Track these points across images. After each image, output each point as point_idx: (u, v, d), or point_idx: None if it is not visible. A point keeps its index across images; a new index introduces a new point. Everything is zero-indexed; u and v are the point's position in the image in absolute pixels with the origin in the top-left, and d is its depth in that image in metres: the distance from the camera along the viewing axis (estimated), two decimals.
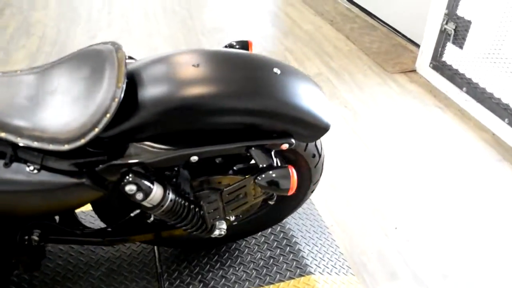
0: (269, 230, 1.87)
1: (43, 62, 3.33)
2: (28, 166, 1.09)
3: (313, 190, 1.58)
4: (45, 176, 1.11)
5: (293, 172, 1.16)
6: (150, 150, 1.13)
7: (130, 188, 1.11)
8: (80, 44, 3.63)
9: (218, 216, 1.33)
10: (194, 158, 1.15)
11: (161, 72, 1.16)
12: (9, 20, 4.08)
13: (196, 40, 3.67)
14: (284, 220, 1.91)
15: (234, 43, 1.45)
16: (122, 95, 1.06)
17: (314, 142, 1.39)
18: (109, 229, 1.48)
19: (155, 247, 1.81)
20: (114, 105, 1.04)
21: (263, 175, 1.17)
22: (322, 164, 1.49)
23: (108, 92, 1.06)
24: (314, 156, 1.41)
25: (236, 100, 1.13)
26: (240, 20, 4.05)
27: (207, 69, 1.15)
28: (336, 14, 4.09)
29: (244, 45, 1.44)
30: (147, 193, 1.13)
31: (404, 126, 2.58)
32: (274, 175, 1.16)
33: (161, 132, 1.13)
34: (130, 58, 1.40)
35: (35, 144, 1.04)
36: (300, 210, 2.00)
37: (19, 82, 1.15)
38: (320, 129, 1.26)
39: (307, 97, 1.24)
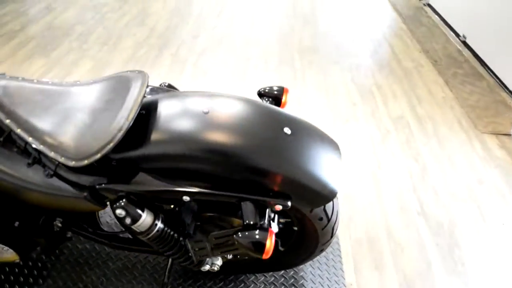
0: (282, 272, 1.83)
1: (145, 53, 3.61)
2: (45, 171, 1.23)
3: (323, 250, 1.51)
4: (56, 182, 1.24)
5: (271, 238, 1.13)
6: (147, 181, 1.18)
7: (120, 212, 1.18)
8: (182, 41, 3.86)
9: (205, 255, 1.34)
10: (186, 198, 1.18)
11: (173, 112, 1.22)
12: (130, 7, 4.48)
13: (289, 57, 3.68)
14: (301, 265, 1.86)
15: (275, 88, 1.45)
16: (129, 126, 1.14)
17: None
18: (119, 235, 1.58)
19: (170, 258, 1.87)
20: (119, 136, 1.12)
21: (243, 233, 1.15)
22: (333, 227, 1.41)
23: (118, 122, 1.14)
24: (321, 219, 1.35)
25: (237, 154, 1.14)
26: (339, 44, 3.97)
27: (214, 118, 1.18)
28: (443, 55, 3.81)
29: (279, 91, 1.43)
30: (135, 219, 1.19)
31: (473, 198, 2.33)
32: (251, 236, 1.14)
33: (161, 167, 1.18)
34: (170, 86, 1.46)
35: (52, 154, 1.16)
36: (323, 258, 1.92)
37: (56, 92, 1.28)
38: (323, 196, 1.20)
39: (314, 161, 1.19)
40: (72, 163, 1.13)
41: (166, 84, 1.48)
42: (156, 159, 1.17)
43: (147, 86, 1.26)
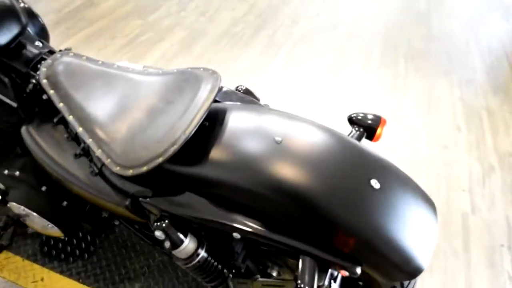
0: None
1: (240, 30, 3.45)
2: (90, 167, 1.12)
3: None
4: (99, 182, 1.13)
5: None
6: (196, 205, 1.02)
7: (160, 235, 1.04)
8: (281, 24, 3.65)
9: None
10: (236, 235, 1.00)
11: (241, 132, 1.05)
12: None
13: (393, 59, 3.32)
14: None
15: (370, 117, 1.21)
16: (185, 141, 0.98)
17: None
18: None
19: None
20: (171, 151, 0.98)
21: None
22: None
23: (173, 134, 1.00)
24: None
25: (307, 199, 0.94)
26: (453, 52, 3.51)
27: (287, 151, 0.99)
28: None
29: (374, 121, 1.18)
30: (175, 245, 1.05)
31: None
32: None
33: (214, 193, 1.01)
34: (247, 92, 1.29)
35: (98, 152, 1.04)
36: None
37: (119, 79, 1.15)
38: (404, 272, 0.96)
39: (402, 227, 0.95)
40: (116, 169, 1.00)
41: (243, 89, 1.30)
42: (210, 184, 1.00)
43: (219, 90, 1.08)
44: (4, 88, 1.26)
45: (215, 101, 1.09)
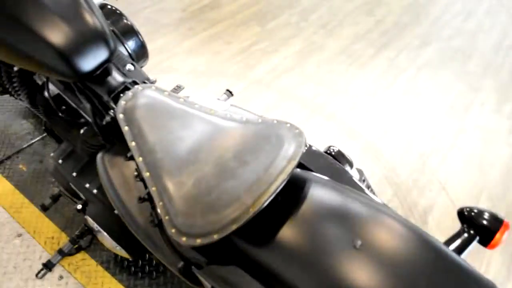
0: None
1: (360, 48, 3.22)
2: (151, 215, 1.05)
3: None
4: (155, 235, 1.08)
5: None
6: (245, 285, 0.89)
7: None
8: (407, 46, 3.33)
9: None
10: None
11: (314, 222, 0.90)
12: None
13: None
14: None
15: (486, 216, 0.97)
16: (248, 220, 0.86)
17: None
18: None
19: None
20: (228, 230, 0.86)
21: None
22: None
23: (237, 208, 0.87)
24: None
25: None
26: None
27: (365, 261, 0.81)
28: None
29: (493, 224, 0.94)
30: None
31: None
32: None
33: (271, 283, 0.87)
34: (339, 155, 1.12)
35: (159, 205, 0.97)
36: None
37: (198, 122, 1.06)
38: None
39: None
40: (172, 231, 0.91)
41: (335, 151, 1.12)
42: (266, 270, 0.87)
43: (303, 152, 0.94)
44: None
45: (298, 164, 0.94)
